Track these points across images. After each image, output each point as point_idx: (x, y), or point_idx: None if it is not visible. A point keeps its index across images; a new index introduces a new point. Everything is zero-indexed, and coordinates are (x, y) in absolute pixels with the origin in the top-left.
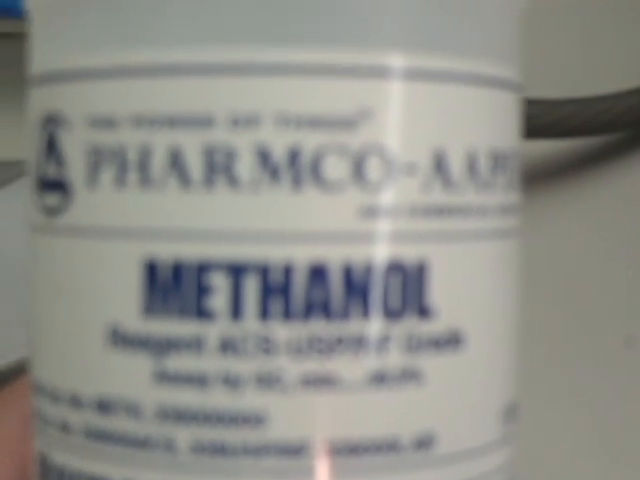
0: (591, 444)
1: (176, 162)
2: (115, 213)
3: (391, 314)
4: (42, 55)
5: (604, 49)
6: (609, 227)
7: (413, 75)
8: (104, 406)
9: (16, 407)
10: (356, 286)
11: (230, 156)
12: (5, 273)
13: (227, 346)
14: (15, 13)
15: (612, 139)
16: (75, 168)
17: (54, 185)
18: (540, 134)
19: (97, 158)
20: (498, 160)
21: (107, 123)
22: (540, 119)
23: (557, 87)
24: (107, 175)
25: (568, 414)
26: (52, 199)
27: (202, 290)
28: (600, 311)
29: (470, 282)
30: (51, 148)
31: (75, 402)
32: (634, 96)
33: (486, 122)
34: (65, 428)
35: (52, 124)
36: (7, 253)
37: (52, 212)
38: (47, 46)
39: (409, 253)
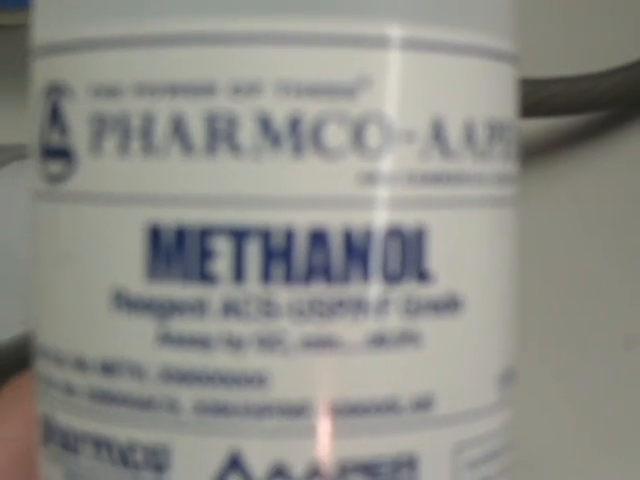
0: (591, 444)
1: (178, 129)
2: (119, 179)
3: (390, 278)
4: (45, 26)
5: (587, 29)
6: (595, 207)
7: (411, 45)
8: (108, 368)
9: (18, 408)
10: (356, 250)
11: (232, 123)
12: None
13: (230, 309)
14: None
15: (596, 117)
16: (79, 136)
17: (58, 153)
18: (526, 113)
19: (101, 126)
20: (495, 130)
21: (110, 92)
22: (526, 98)
23: (542, 67)
24: (111, 142)
25: (568, 414)
26: (56, 166)
27: (205, 254)
28: (599, 311)
29: (468, 247)
30: (55, 117)
31: (79, 364)
32: (617, 75)
33: (483, 92)
34: (69, 390)
35: (56, 93)
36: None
37: (56, 179)
38: (50, 17)
39: (408, 219)
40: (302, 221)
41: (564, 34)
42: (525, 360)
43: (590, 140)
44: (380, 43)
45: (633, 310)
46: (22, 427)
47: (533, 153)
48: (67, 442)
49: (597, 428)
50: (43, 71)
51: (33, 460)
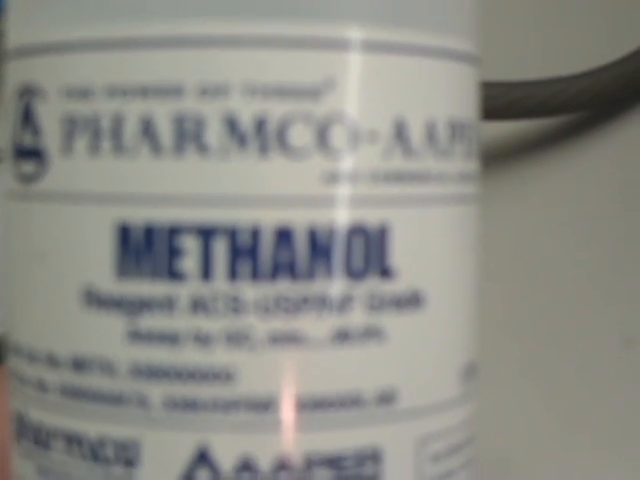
0: (591, 444)
1: (148, 130)
2: (89, 179)
3: (354, 274)
4: (18, 29)
5: (560, 32)
6: (566, 208)
7: (372, 47)
8: (79, 364)
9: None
10: (320, 248)
11: (199, 124)
12: None
13: (197, 305)
14: None
15: (568, 120)
16: (51, 136)
17: (30, 153)
18: (497, 116)
19: (72, 127)
20: (456, 129)
21: (82, 93)
22: (497, 101)
23: (513, 69)
24: (81, 143)
25: (568, 414)
26: (28, 167)
27: (173, 252)
28: (597, 312)
29: (430, 244)
30: (27, 118)
31: (51, 361)
32: (588, 78)
33: (444, 92)
34: (41, 386)
35: (28, 95)
36: None
37: (28, 179)
38: (23, 20)
39: (371, 217)
40: (268, 219)
41: (537, 37)
42: (521, 362)
43: (562, 142)
44: (342, 45)
45: (631, 310)
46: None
47: (505, 155)
48: (39, 438)
49: (597, 428)
50: (16, 73)
51: (6, 457)
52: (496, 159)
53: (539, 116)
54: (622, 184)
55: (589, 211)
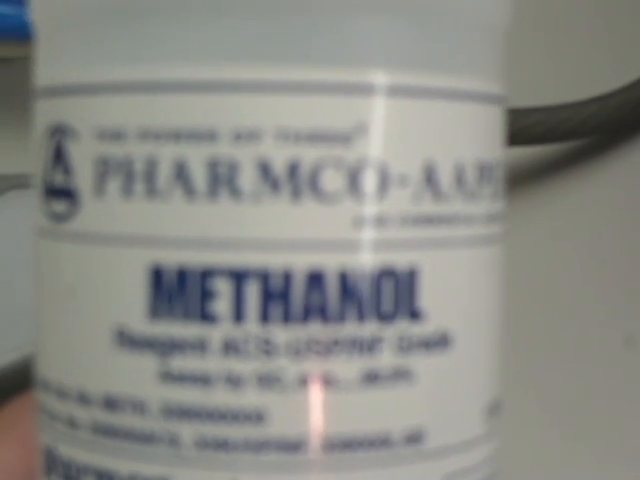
0: (591, 444)
1: (181, 174)
2: (122, 221)
3: (384, 317)
4: (49, 67)
5: (567, 59)
6: (573, 232)
7: (398, 92)
8: (111, 403)
9: (14, 432)
10: (351, 291)
11: (233, 168)
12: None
13: (229, 348)
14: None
15: (576, 146)
16: (83, 177)
17: (61, 193)
18: (507, 142)
19: (104, 168)
20: (484, 171)
21: (114, 135)
22: (507, 128)
23: (521, 97)
24: (114, 185)
25: (568, 414)
26: (60, 206)
27: (205, 295)
28: (599, 311)
29: (458, 286)
30: (58, 157)
31: (82, 399)
32: (595, 104)
33: (472, 135)
34: (72, 423)
35: (60, 134)
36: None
37: (59, 218)
38: (54, 59)
39: (400, 260)
40: (300, 263)
41: (544, 64)
42: (522, 361)
43: (570, 168)
44: (368, 90)
45: (633, 311)
46: (19, 451)
47: (512, 181)
48: (69, 474)
49: (597, 428)
50: (47, 111)
51: None
52: (506, 184)
53: (547, 142)
54: (629, 209)
55: (596, 235)
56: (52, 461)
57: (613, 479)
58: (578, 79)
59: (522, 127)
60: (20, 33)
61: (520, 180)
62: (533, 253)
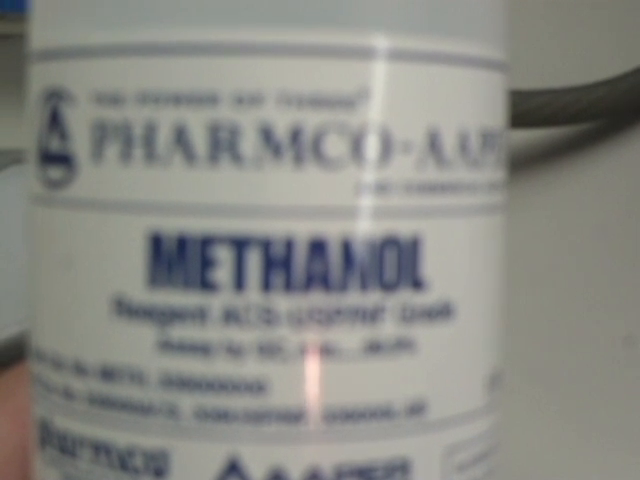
0: (591, 444)
1: (181, 138)
2: (120, 187)
3: (386, 286)
4: (44, 31)
5: (574, 43)
6: (577, 215)
7: (402, 56)
8: (108, 373)
9: (6, 406)
10: (354, 259)
11: (234, 133)
12: None
13: (230, 317)
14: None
15: (581, 129)
16: (80, 142)
17: (58, 158)
18: (512, 124)
19: (102, 133)
20: (487, 138)
21: (113, 99)
22: (511, 109)
23: (528, 78)
24: (112, 150)
25: (568, 414)
26: (56, 172)
27: (206, 263)
28: (598, 311)
29: (460, 255)
30: (55, 122)
31: (79, 369)
32: (602, 87)
33: (475, 102)
34: (68, 394)
35: (56, 99)
36: None
37: (55, 185)
38: (50, 22)
39: (403, 228)
40: (302, 230)
41: (551, 47)
42: (522, 361)
43: (576, 151)
44: (373, 55)
45: (632, 310)
46: (11, 424)
47: (518, 163)
48: (65, 446)
49: (597, 428)
50: (42, 75)
51: (24, 459)
52: (511, 167)
53: (553, 125)
54: (635, 194)
55: (600, 218)
56: (47, 433)
57: (614, 478)
58: (585, 62)
59: (528, 109)
60: (18, 8)
61: (525, 163)
62: (536, 240)
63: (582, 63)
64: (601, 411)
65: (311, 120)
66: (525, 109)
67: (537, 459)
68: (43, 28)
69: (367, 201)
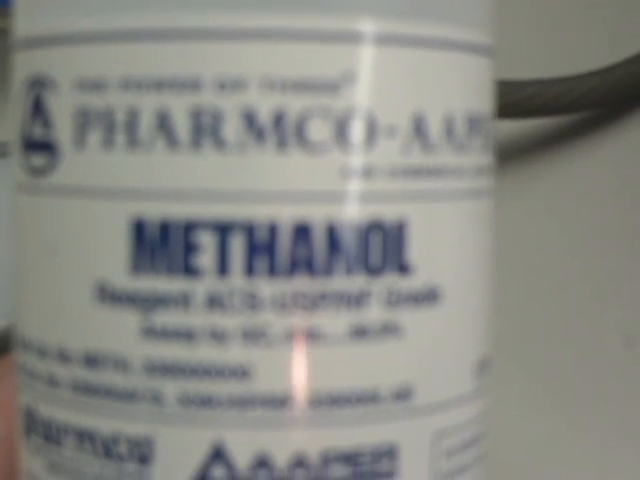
0: (590, 444)
1: (163, 124)
2: (103, 173)
3: (372, 270)
4: (28, 19)
5: (565, 32)
6: (571, 207)
7: (386, 40)
8: (92, 360)
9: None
10: (338, 244)
11: (217, 118)
12: None
13: (214, 302)
14: None
15: (574, 119)
16: (62, 129)
17: (41, 146)
18: (504, 114)
19: (85, 119)
20: (473, 123)
21: (95, 86)
22: (504, 99)
23: (518, 68)
24: (95, 136)
25: (567, 414)
26: (39, 159)
27: (189, 248)
28: (599, 311)
29: (447, 240)
30: (37, 110)
31: (62, 357)
32: (595, 77)
33: (462, 86)
34: (52, 382)
35: (39, 86)
36: None
37: (39, 172)
38: (33, 10)
39: (389, 212)
40: (286, 215)
41: (542, 37)
42: (523, 361)
43: (569, 141)
44: (359, 39)
45: (632, 310)
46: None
47: (508, 154)
48: (50, 433)
49: (597, 428)
50: (25, 63)
51: (9, 448)
52: (502, 157)
53: (546, 115)
54: (629, 183)
55: (595, 210)
56: (32, 421)
57: (614, 478)
58: (578, 51)
59: (519, 99)
60: (1, 3)
61: (517, 153)
62: (528, 231)
63: (574, 53)
64: (600, 409)
65: (294, 105)
66: (516, 99)
67: (537, 458)
68: (27, 16)
69: (352, 185)
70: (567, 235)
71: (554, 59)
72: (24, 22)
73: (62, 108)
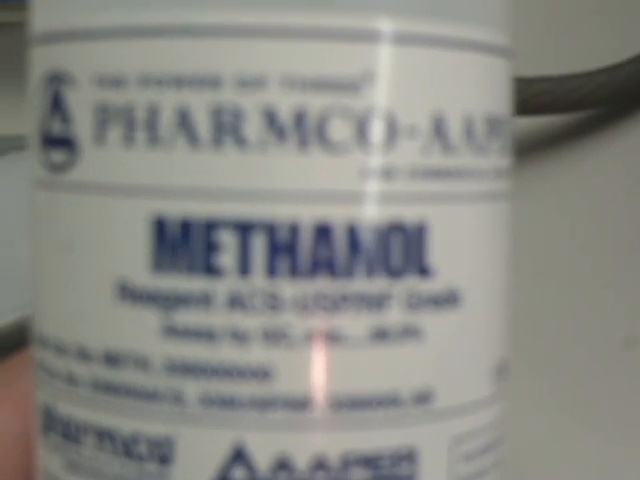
0: (591, 444)
1: (184, 121)
2: (123, 170)
3: (393, 273)
4: (46, 14)
5: (575, 30)
6: (579, 205)
7: (407, 40)
8: (112, 359)
9: (9, 392)
10: (359, 245)
11: (237, 117)
12: None
13: (235, 302)
14: None
15: (583, 116)
16: (82, 125)
17: (60, 142)
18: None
19: (105, 116)
20: (493, 124)
21: (115, 82)
22: (513, 97)
23: (528, 66)
24: (115, 133)
25: (568, 414)
26: (58, 155)
27: (210, 247)
28: (599, 311)
29: (466, 242)
30: (57, 105)
31: (82, 355)
32: (604, 74)
33: (480, 87)
34: (71, 380)
35: (57, 82)
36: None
37: (58, 168)
38: (51, 5)
39: (410, 213)
40: (307, 215)
41: (552, 34)
42: (523, 361)
43: (578, 138)
44: (377, 38)
45: (633, 310)
46: (13, 410)
47: (516, 151)
48: (68, 432)
49: (597, 428)
50: (44, 58)
51: (27, 446)
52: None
53: (555, 112)
54: (638, 181)
55: (601, 208)
56: (50, 419)
57: (615, 478)
58: (587, 49)
59: (528, 96)
60: None
61: (525, 150)
62: (536, 228)
63: (583, 50)
64: (602, 411)
65: (315, 103)
66: (525, 96)
67: (537, 456)
68: (45, 11)
69: (372, 186)
70: (575, 232)
71: (563, 56)
72: (42, 16)
73: (81, 104)
